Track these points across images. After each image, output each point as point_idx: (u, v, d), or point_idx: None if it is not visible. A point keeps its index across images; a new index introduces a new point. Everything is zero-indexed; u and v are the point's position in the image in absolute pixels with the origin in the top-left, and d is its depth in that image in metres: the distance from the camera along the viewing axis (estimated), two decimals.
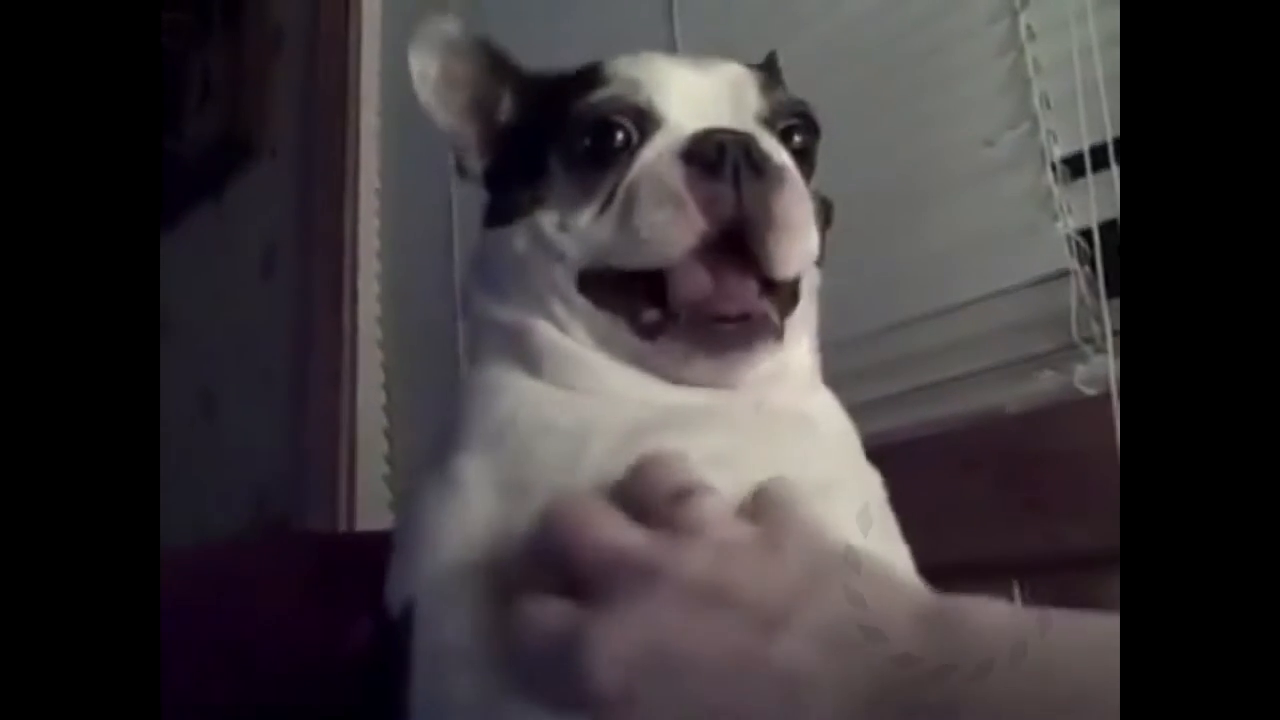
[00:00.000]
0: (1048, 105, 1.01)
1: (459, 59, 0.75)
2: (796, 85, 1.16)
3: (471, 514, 0.62)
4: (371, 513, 1.66)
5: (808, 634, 0.48)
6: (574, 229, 0.65)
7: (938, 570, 0.73)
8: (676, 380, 0.64)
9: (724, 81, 0.68)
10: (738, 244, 0.62)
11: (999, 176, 1.03)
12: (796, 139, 0.70)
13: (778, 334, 0.65)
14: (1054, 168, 0.99)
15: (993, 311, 1.01)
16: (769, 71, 0.77)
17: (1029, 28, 1.03)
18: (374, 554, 0.67)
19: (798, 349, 0.70)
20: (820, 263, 0.70)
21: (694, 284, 0.62)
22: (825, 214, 0.71)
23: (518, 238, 0.68)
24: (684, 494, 0.55)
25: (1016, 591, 0.93)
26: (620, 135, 0.65)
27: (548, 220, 0.66)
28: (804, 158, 0.70)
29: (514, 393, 0.66)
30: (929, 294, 1.05)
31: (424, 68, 0.74)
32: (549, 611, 0.53)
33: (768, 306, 0.64)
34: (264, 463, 1.82)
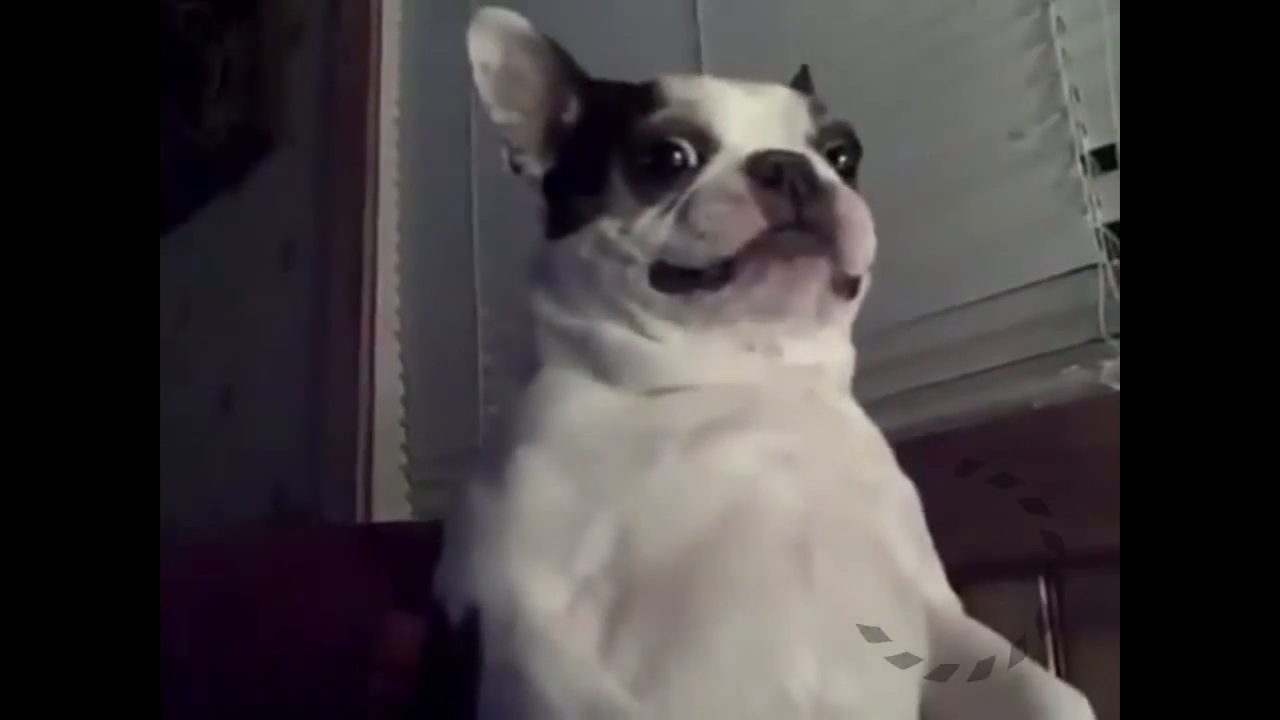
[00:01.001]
0: (1077, 98, 0.99)
1: (526, 54, 0.76)
2: (821, 79, 1.16)
3: (541, 512, 0.62)
4: (388, 504, 1.66)
5: None
6: (636, 232, 0.68)
7: (957, 569, 0.73)
8: (748, 315, 0.67)
9: (776, 105, 0.72)
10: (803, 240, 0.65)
11: (1027, 169, 1.02)
12: (843, 160, 0.73)
13: (839, 286, 0.68)
14: (1083, 160, 0.98)
15: (1019, 305, 1.00)
16: (803, 87, 0.81)
17: (1059, 20, 1.02)
18: (401, 545, 0.66)
19: (841, 347, 0.74)
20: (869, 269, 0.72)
21: (760, 259, 0.65)
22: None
23: (583, 245, 0.70)
24: None
25: (1043, 590, 0.92)
26: (678, 155, 0.68)
27: (611, 226, 0.69)
28: (849, 176, 0.73)
29: (580, 396, 0.68)
30: (955, 288, 1.04)
31: (485, 58, 0.75)
32: None
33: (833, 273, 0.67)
34: (282, 454, 1.81)
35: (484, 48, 0.75)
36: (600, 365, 0.68)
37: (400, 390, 1.72)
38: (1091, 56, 0.98)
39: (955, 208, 1.06)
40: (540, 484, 0.63)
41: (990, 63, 1.07)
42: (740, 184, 0.66)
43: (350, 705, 0.66)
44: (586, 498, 0.62)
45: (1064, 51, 1.01)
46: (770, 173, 0.65)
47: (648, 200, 0.68)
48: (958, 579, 0.73)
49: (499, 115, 0.76)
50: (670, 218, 0.67)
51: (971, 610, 0.72)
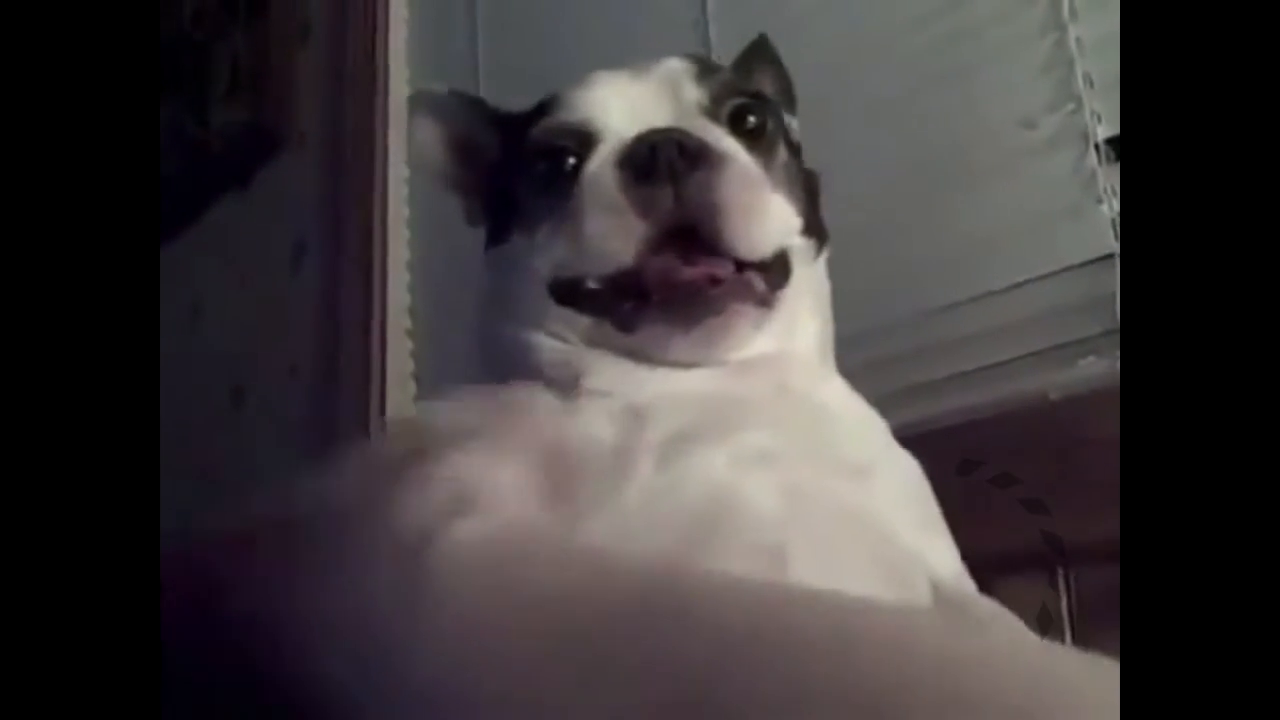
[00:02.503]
0: (1091, 85, 0.99)
1: (456, 119, 0.79)
2: (830, 68, 1.16)
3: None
4: None
5: None
6: (537, 245, 0.67)
7: (981, 556, 0.72)
8: (668, 364, 0.65)
9: (659, 81, 0.69)
10: (699, 236, 0.63)
11: (1041, 159, 1.01)
12: (751, 119, 0.69)
13: (761, 300, 0.64)
14: (1098, 149, 0.97)
15: (1036, 296, 1.00)
16: (763, 56, 0.80)
17: (1072, 7, 1.01)
18: None
19: (802, 329, 0.70)
20: (821, 236, 0.70)
21: (660, 266, 0.63)
22: (810, 185, 0.72)
23: (501, 260, 0.71)
24: None
25: (1062, 581, 0.92)
26: (568, 157, 0.67)
27: (518, 241, 0.69)
28: (759, 135, 0.69)
29: (545, 407, 0.65)
30: (970, 278, 1.04)
31: (428, 137, 0.79)
32: None
33: (747, 276, 0.63)
34: (293, 454, 1.81)
35: (425, 128, 0.79)
36: (549, 377, 0.67)
37: (412, 390, 1.72)
38: (1105, 44, 0.97)
39: (968, 198, 1.06)
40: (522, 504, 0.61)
41: (1002, 51, 1.06)
42: (613, 183, 0.63)
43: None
44: (564, 518, 0.59)
45: (1078, 39, 1.00)
46: (645, 156, 0.63)
47: (545, 211, 0.67)
48: (980, 570, 0.72)
49: (448, 182, 0.80)
50: (565, 233, 0.66)
51: None
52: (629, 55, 0.77)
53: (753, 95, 0.71)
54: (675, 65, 0.71)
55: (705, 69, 0.71)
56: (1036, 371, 0.99)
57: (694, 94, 0.69)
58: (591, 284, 0.65)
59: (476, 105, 0.80)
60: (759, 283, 0.64)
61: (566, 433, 0.63)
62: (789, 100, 0.84)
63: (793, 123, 0.80)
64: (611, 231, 0.63)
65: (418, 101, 0.79)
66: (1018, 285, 1.01)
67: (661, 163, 0.62)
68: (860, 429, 0.69)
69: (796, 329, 0.69)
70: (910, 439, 0.71)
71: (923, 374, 1.04)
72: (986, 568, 0.69)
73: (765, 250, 0.65)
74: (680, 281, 0.62)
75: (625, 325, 0.64)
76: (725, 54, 1.27)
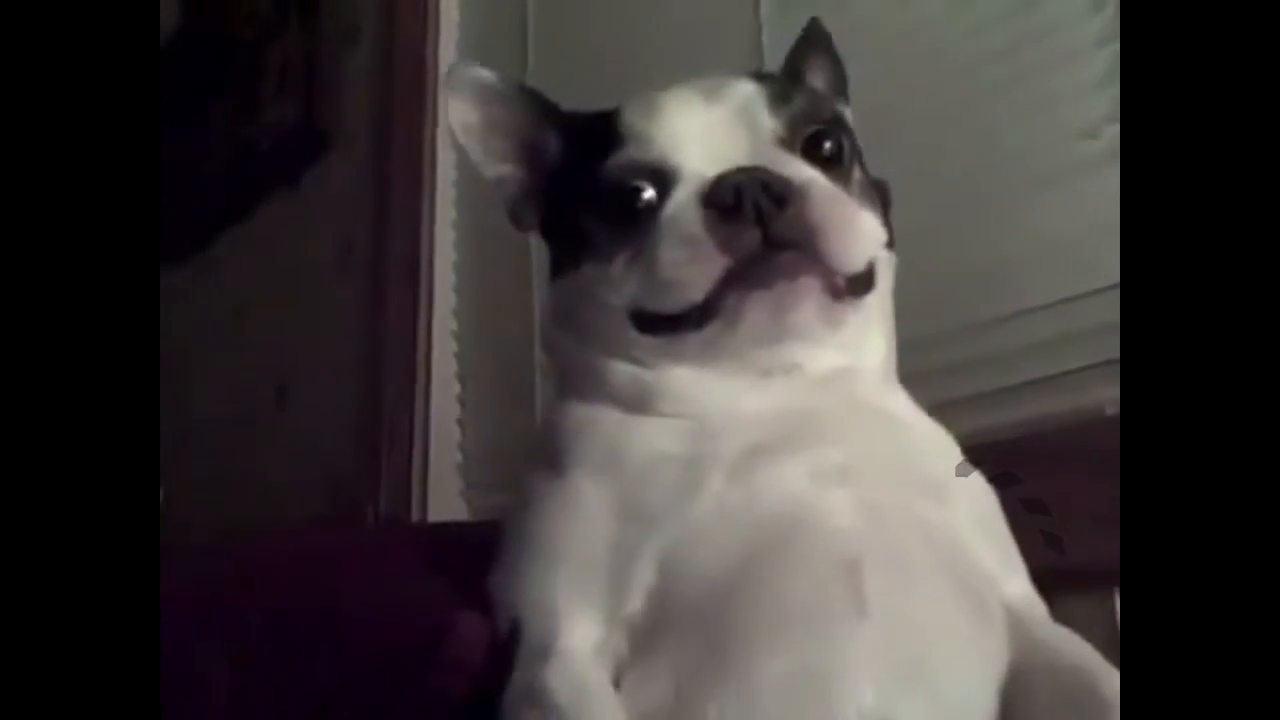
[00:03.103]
0: None
1: (503, 105, 0.75)
2: (882, 76, 1.15)
3: (590, 538, 0.62)
4: (443, 502, 1.66)
5: None
6: (611, 278, 0.67)
7: (1036, 575, 0.71)
8: (742, 347, 0.65)
9: (733, 110, 0.69)
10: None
11: (1100, 170, 0.99)
12: (827, 145, 0.69)
13: (835, 291, 0.64)
14: None
15: (1094, 308, 0.98)
16: (815, 43, 0.80)
17: None
18: (472, 547, 0.66)
19: (873, 343, 0.70)
20: (891, 246, 0.70)
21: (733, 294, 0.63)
22: (883, 197, 0.72)
23: (571, 289, 0.71)
24: None
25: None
26: (642, 196, 0.67)
27: (589, 273, 0.69)
28: (836, 159, 0.69)
29: (614, 424, 0.67)
30: (1028, 290, 1.03)
31: (464, 117, 0.75)
32: None
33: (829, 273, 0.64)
34: (337, 452, 1.82)
35: (461, 108, 0.75)
36: (618, 399, 0.68)
37: (456, 389, 1.72)
38: None
39: (1027, 208, 1.05)
40: (590, 511, 0.63)
41: (1061, 61, 1.05)
42: (697, 222, 0.64)
43: (413, 699, 0.66)
44: (634, 526, 0.61)
45: None
46: (730, 199, 0.63)
47: (618, 245, 0.67)
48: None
49: (490, 171, 0.76)
50: (638, 266, 0.66)
51: None
52: (681, 58, 0.77)
53: (826, 121, 0.71)
54: (747, 90, 0.70)
55: (777, 94, 0.70)
56: (1091, 385, 0.97)
57: (769, 123, 0.69)
58: (669, 313, 0.65)
59: (530, 97, 0.77)
60: (839, 278, 0.64)
61: (633, 448, 0.64)
62: (842, 88, 0.83)
63: (846, 112, 0.79)
64: (691, 261, 0.63)
65: (454, 79, 0.75)
66: (1076, 298, 0.99)
67: (747, 204, 0.63)
68: (934, 445, 0.70)
69: (867, 342, 0.70)
70: (975, 448, 0.71)
71: (988, 381, 1.04)
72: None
73: (862, 262, 0.66)
74: (752, 291, 0.63)
75: (697, 325, 0.64)
76: (778, 58, 1.26)
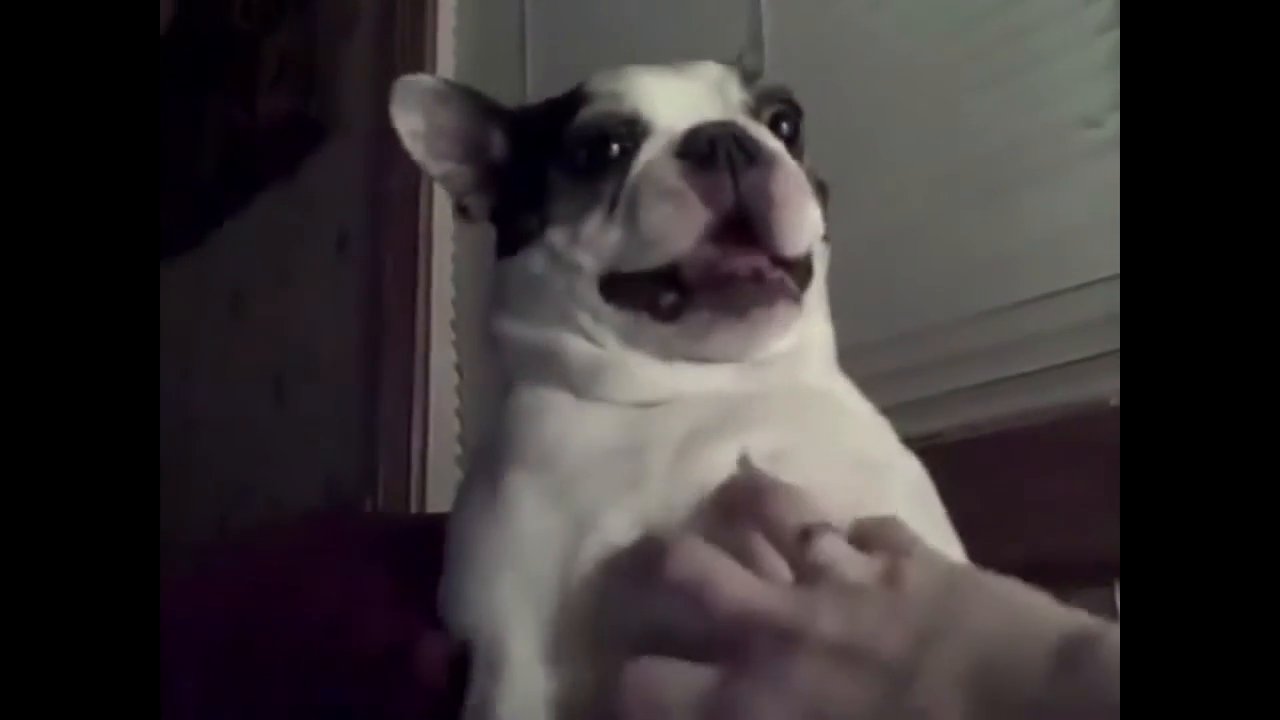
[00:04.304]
0: None
1: (444, 108, 0.77)
2: (886, 66, 1.14)
3: (529, 541, 0.61)
4: (441, 494, 1.65)
5: (942, 681, 0.47)
6: (584, 238, 0.67)
7: (1034, 567, 0.71)
8: (705, 357, 0.66)
9: (705, 81, 0.70)
10: (742, 230, 0.64)
11: (1103, 158, 0.99)
12: (784, 126, 0.71)
13: (796, 298, 0.66)
14: None
15: (1098, 298, 0.97)
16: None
17: None
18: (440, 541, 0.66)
19: (815, 328, 0.71)
20: (825, 239, 0.71)
21: (704, 257, 0.64)
22: (822, 194, 0.72)
23: (533, 260, 0.69)
24: (807, 535, 0.54)
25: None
26: (615, 146, 0.67)
27: (559, 237, 0.68)
28: (793, 142, 0.71)
29: (559, 413, 0.66)
30: (1031, 280, 1.02)
31: (412, 126, 0.77)
32: (684, 678, 0.52)
33: (781, 273, 0.65)
34: (335, 443, 1.82)
35: (406, 119, 0.76)
36: (570, 381, 0.67)
37: (454, 380, 1.72)
38: None
39: (1030, 197, 1.04)
40: (529, 513, 0.62)
41: (1063, 49, 1.05)
42: (674, 171, 0.64)
43: (383, 713, 0.65)
44: (576, 524, 0.60)
45: None
46: (705, 148, 0.64)
47: (592, 199, 0.67)
48: (1032, 580, 0.71)
49: (435, 170, 0.78)
50: (617, 220, 0.66)
51: None
52: (681, 46, 0.77)
53: (790, 104, 0.72)
54: (718, 68, 0.72)
55: (749, 72, 0.72)
56: (1095, 376, 0.97)
57: (739, 95, 0.70)
58: (642, 274, 0.65)
59: (470, 98, 0.78)
60: (790, 281, 0.66)
61: (573, 443, 0.64)
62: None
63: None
64: (674, 217, 0.64)
65: (396, 91, 0.77)
66: (1081, 286, 0.98)
67: (721, 154, 0.63)
68: (871, 428, 0.70)
69: (810, 329, 0.70)
70: (964, 443, 0.71)
71: (976, 376, 1.03)
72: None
73: (803, 247, 0.66)
74: (726, 273, 0.64)
75: (667, 315, 0.65)
76: (779, 68, 1.26)
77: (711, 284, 0.64)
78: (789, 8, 1.29)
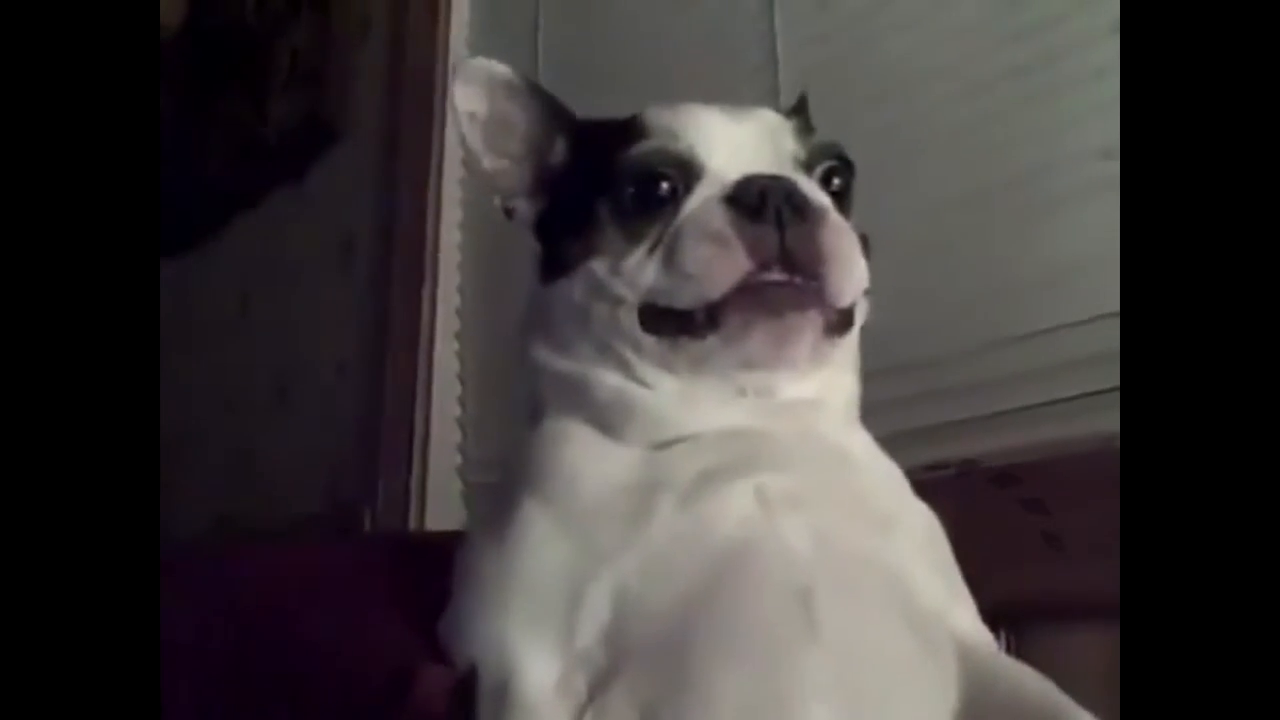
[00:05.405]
0: None
1: (511, 101, 0.76)
2: (903, 95, 1.14)
3: (541, 577, 0.62)
4: (442, 505, 1.65)
5: None
6: (625, 272, 0.67)
7: (1038, 604, 0.70)
8: (744, 362, 0.66)
9: (761, 128, 0.71)
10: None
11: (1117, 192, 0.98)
12: (836, 181, 0.72)
13: (827, 327, 0.66)
14: None
15: (1096, 334, 0.96)
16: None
17: None
18: (440, 557, 0.66)
19: (841, 380, 0.72)
20: (866, 293, 0.71)
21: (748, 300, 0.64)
22: (864, 248, 0.72)
23: (575, 288, 0.70)
24: None
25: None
26: (665, 185, 0.68)
27: (600, 267, 0.68)
28: (842, 198, 0.72)
29: (580, 447, 0.67)
30: (1053, 307, 1.01)
31: (472, 108, 0.75)
32: None
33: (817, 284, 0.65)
34: (337, 450, 1.81)
35: (470, 97, 0.74)
36: (597, 417, 0.68)
37: (457, 390, 1.71)
38: None
39: (1046, 227, 1.04)
40: (541, 545, 0.62)
41: (1080, 80, 1.04)
42: (722, 219, 0.64)
43: None
44: (587, 559, 0.61)
45: None
46: (755, 200, 0.64)
47: (635, 236, 0.67)
48: (1042, 616, 0.70)
49: (488, 163, 0.76)
50: (657, 258, 0.66)
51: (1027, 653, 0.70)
52: (693, 59, 0.76)
53: (842, 159, 0.72)
54: (772, 116, 0.72)
55: (803, 125, 0.73)
56: (1110, 408, 0.96)
57: (793, 147, 0.70)
58: (681, 307, 0.66)
59: (542, 96, 0.77)
60: (833, 314, 0.66)
61: (589, 479, 0.65)
62: None
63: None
64: (715, 259, 0.64)
65: (461, 70, 0.75)
66: (1098, 318, 0.97)
67: (770, 208, 0.64)
68: (884, 480, 0.70)
69: (834, 381, 0.71)
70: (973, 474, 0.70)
71: (985, 407, 1.02)
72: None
73: (849, 299, 0.67)
74: (759, 282, 0.64)
75: (704, 327, 0.65)
76: (791, 65, 1.26)
77: (746, 290, 0.64)
78: (802, 39, 1.28)
